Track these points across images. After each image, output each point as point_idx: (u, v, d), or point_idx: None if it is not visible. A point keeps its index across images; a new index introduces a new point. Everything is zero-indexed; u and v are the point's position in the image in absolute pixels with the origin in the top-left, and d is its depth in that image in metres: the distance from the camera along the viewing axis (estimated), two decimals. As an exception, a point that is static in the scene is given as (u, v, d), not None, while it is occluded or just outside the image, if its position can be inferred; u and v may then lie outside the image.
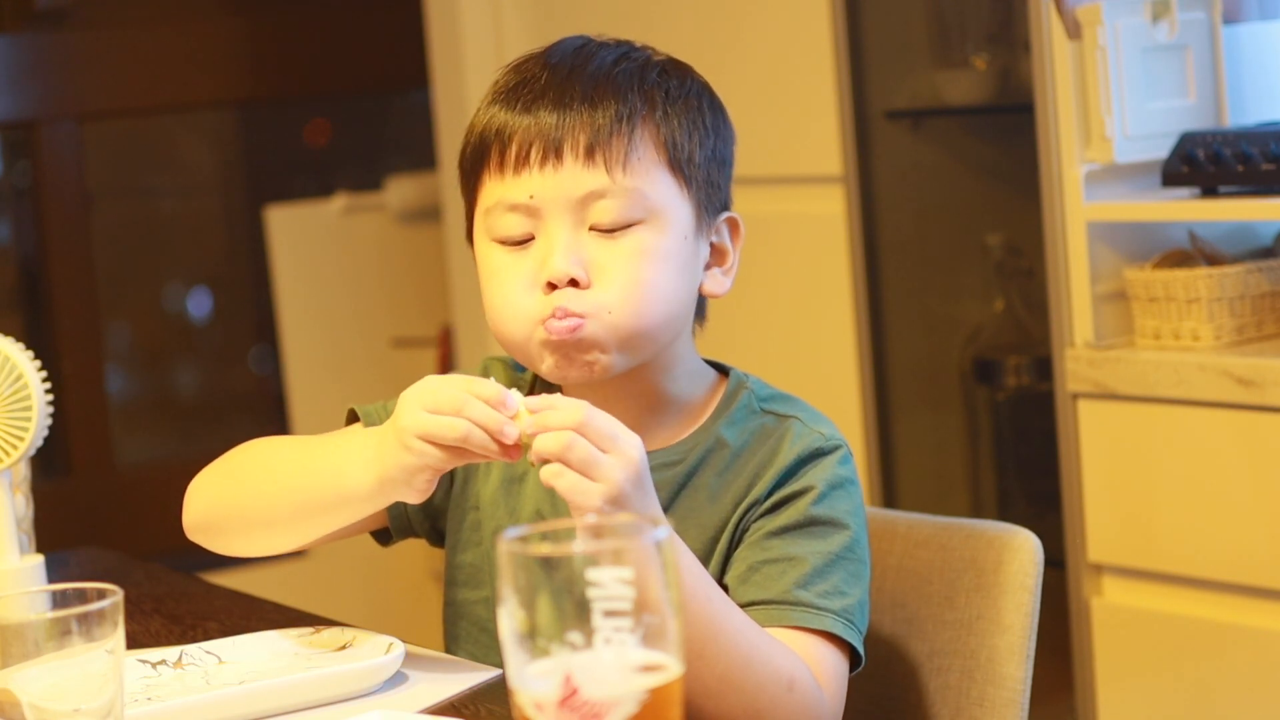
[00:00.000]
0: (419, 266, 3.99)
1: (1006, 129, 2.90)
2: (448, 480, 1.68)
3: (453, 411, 1.43)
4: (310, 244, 3.94)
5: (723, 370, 1.66)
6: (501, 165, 1.55)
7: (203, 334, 4.11)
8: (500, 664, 1.55)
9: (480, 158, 1.58)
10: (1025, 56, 2.78)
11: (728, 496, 1.59)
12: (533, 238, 1.55)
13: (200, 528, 1.64)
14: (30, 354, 1.79)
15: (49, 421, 1.79)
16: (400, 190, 3.97)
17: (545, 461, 1.39)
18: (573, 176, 1.53)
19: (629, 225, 1.54)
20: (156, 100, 3.91)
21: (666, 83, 1.59)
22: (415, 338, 4.00)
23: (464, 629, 1.68)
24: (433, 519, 1.70)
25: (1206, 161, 2.42)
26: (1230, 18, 2.60)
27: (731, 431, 1.60)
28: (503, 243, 1.56)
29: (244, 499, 1.60)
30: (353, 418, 1.68)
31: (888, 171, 2.95)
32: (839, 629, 1.52)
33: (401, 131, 4.20)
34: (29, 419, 1.78)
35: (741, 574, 1.55)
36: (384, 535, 1.71)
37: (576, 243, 1.53)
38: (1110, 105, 2.48)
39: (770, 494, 1.57)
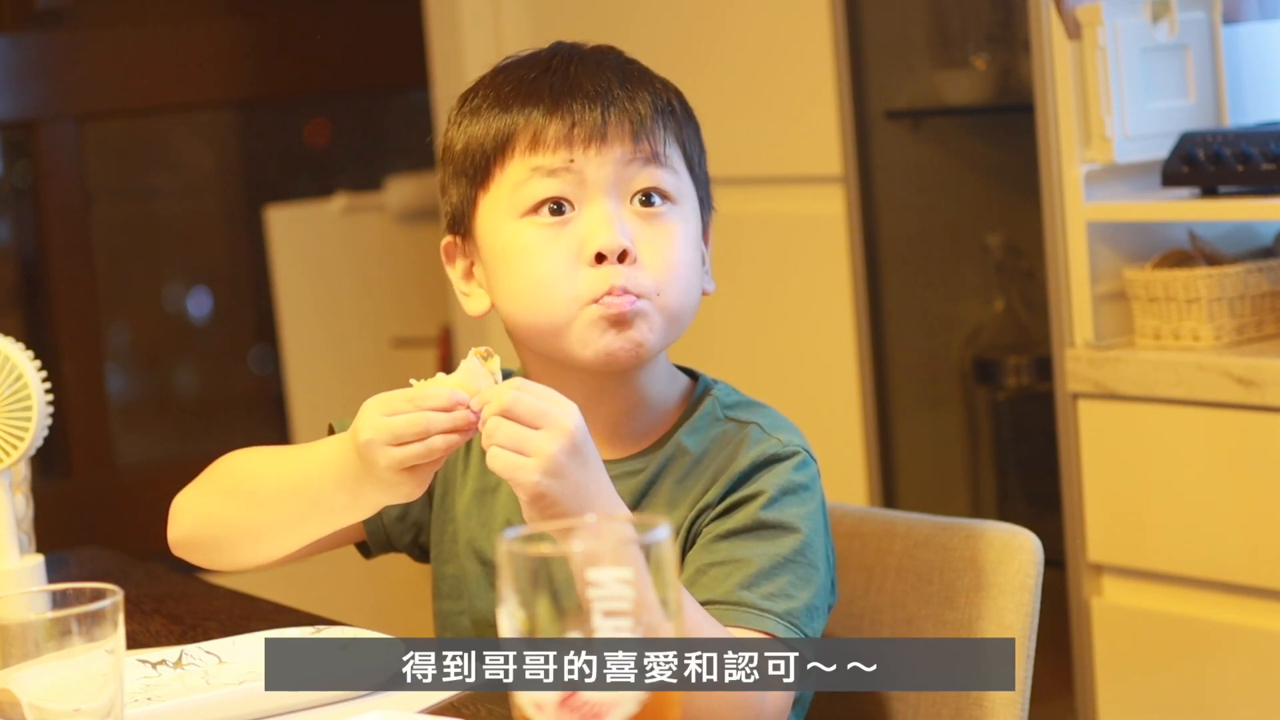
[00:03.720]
0: (419, 266, 3.99)
1: (1006, 129, 2.90)
2: (428, 494, 1.67)
3: (419, 436, 1.43)
4: (310, 244, 3.93)
5: (693, 376, 1.66)
6: (535, 146, 1.53)
7: (203, 334, 4.11)
8: None
9: (502, 148, 1.55)
10: (1025, 56, 2.78)
11: (685, 502, 1.58)
12: (572, 207, 1.53)
13: (185, 544, 1.64)
14: (30, 354, 1.79)
15: (49, 421, 1.79)
16: (400, 190, 3.97)
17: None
18: (618, 151, 1.53)
19: (666, 203, 1.54)
20: (156, 100, 3.90)
21: (669, 88, 1.61)
22: (415, 338, 4.00)
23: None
24: (414, 533, 1.70)
25: (1206, 161, 2.42)
26: (1230, 18, 2.60)
27: (693, 439, 1.59)
28: (535, 214, 1.53)
29: (226, 514, 1.61)
30: (331, 433, 1.66)
31: (888, 171, 2.95)
32: (781, 631, 1.50)
33: (401, 131, 4.20)
34: (29, 419, 1.78)
35: (690, 576, 1.54)
36: (365, 549, 1.71)
37: (622, 216, 1.53)
38: (1110, 105, 2.48)
39: (722, 498, 1.56)
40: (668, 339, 1.55)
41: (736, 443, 1.58)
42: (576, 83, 1.55)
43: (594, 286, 1.51)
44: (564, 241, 1.52)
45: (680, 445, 1.59)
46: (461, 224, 1.59)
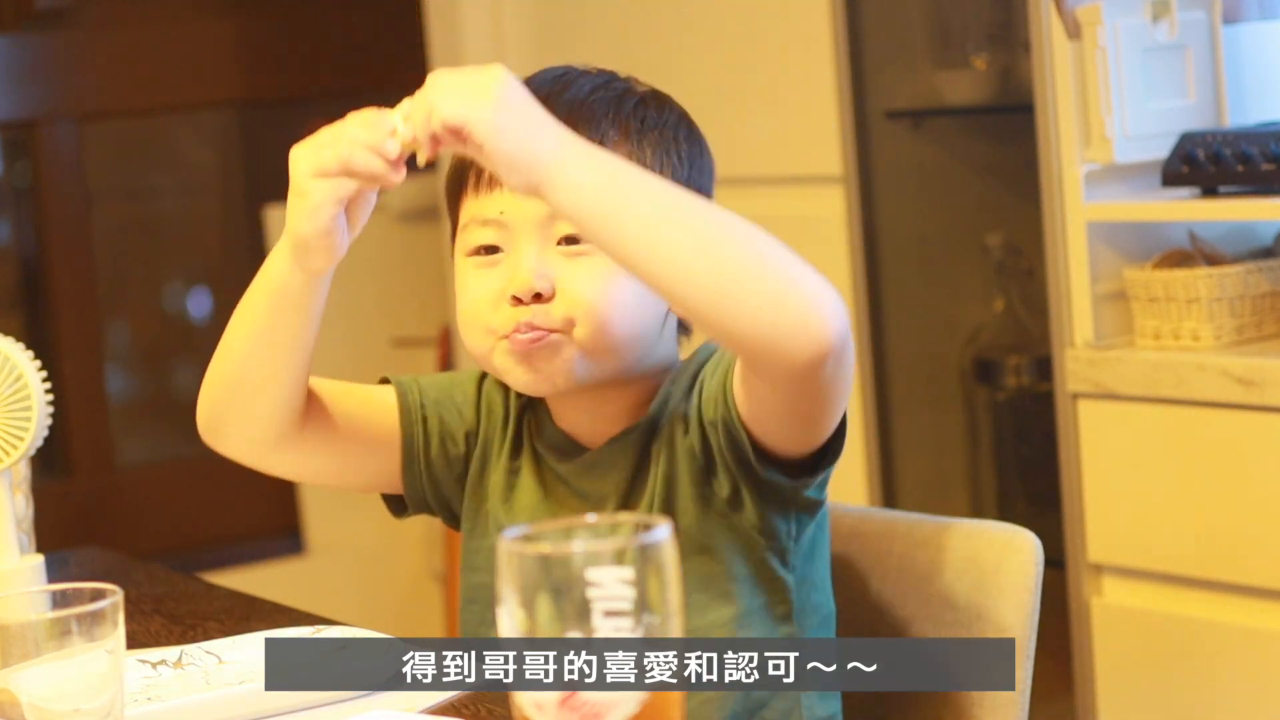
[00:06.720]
0: (419, 266, 3.99)
1: (1006, 129, 2.90)
2: (462, 465, 1.69)
3: (333, 142, 1.51)
4: (310, 244, 3.93)
5: None
6: (476, 186, 1.61)
7: (203, 334, 4.10)
8: None
9: (459, 179, 1.64)
10: (1025, 56, 2.78)
11: (678, 449, 1.60)
12: (502, 251, 1.59)
13: (207, 422, 1.65)
14: (30, 354, 1.79)
15: (49, 421, 1.79)
16: (400, 190, 3.95)
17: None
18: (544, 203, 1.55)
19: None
20: (156, 100, 3.91)
21: (643, 113, 1.62)
22: (415, 337, 4.00)
23: (480, 612, 1.68)
24: (445, 501, 1.70)
25: (1206, 161, 2.42)
26: (1230, 18, 2.60)
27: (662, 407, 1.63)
28: (475, 255, 1.60)
29: (221, 366, 1.64)
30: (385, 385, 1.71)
31: (888, 171, 2.95)
32: None
33: (401, 132, 4.20)
34: (29, 419, 1.78)
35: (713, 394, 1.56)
36: (400, 506, 1.72)
37: (543, 258, 1.57)
38: (1110, 105, 2.48)
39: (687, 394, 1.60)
40: (599, 366, 1.58)
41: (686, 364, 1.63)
42: None
43: (505, 324, 1.57)
44: (492, 280, 1.59)
45: (656, 417, 1.61)
46: (452, 249, 1.67)
